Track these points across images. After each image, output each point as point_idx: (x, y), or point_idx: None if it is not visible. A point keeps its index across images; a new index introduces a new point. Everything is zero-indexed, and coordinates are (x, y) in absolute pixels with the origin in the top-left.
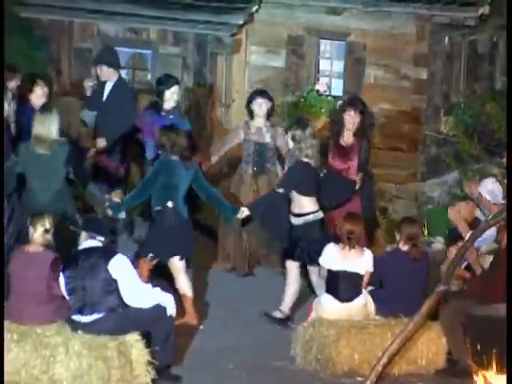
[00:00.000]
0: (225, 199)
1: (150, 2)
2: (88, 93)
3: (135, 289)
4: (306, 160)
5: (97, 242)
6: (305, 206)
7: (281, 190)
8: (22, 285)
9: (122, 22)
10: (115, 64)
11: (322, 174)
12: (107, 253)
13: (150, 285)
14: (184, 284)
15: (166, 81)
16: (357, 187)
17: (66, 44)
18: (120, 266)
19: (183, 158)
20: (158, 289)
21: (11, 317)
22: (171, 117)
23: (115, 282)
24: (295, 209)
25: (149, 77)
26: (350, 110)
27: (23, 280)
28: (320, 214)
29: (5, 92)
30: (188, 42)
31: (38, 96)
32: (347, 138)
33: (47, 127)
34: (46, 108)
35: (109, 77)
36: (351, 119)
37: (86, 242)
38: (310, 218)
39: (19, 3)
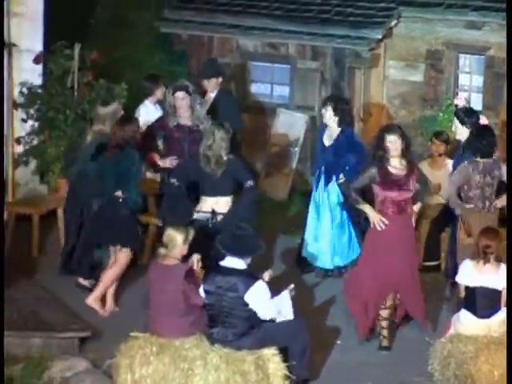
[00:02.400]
0: None
1: (289, 17)
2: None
3: (270, 309)
4: None
5: (241, 262)
6: None
7: None
8: (159, 297)
9: (261, 37)
10: (213, 74)
11: None
12: (248, 279)
13: (278, 298)
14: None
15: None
16: None
17: (206, 59)
18: (258, 295)
19: None
20: (283, 298)
21: (151, 329)
22: None
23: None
24: None
25: (287, 91)
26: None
27: (161, 293)
28: None
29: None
30: (326, 57)
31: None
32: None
33: None
34: None
35: (211, 88)
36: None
37: (229, 259)
38: None
39: (160, 19)
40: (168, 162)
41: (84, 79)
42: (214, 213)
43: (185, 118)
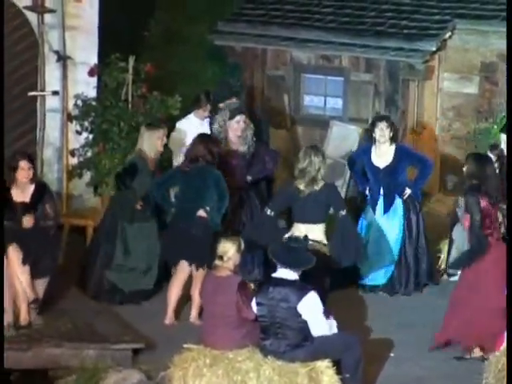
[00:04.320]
0: None
1: (343, 30)
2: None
3: (321, 323)
4: None
5: (292, 274)
6: None
7: None
8: (213, 309)
9: (315, 50)
10: (232, 94)
11: None
12: (300, 289)
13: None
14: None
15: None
16: None
17: (259, 71)
18: (310, 306)
19: None
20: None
21: (204, 341)
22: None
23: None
24: None
25: (340, 104)
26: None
27: (214, 304)
28: None
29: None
30: (380, 69)
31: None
32: None
33: None
34: None
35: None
36: None
37: (281, 270)
38: None
39: (214, 31)
40: None
41: (138, 91)
42: (306, 239)
43: (236, 143)
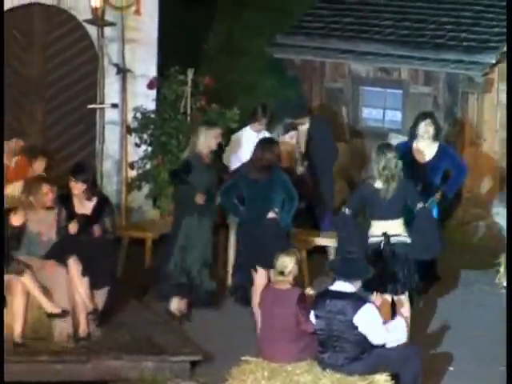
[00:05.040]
0: None
1: (402, 42)
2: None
3: (380, 333)
4: None
5: (350, 286)
6: None
7: None
8: (271, 322)
9: (374, 62)
10: (295, 115)
11: None
12: (356, 302)
13: (393, 323)
14: None
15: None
16: None
17: (318, 84)
18: (366, 318)
19: None
20: (398, 322)
21: (263, 354)
22: None
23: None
24: None
25: (399, 116)
26: None
27: (273, 317)
28: None
29: None
30: (439, 82)
31: None
32: None
33: None
34: None
35: (301, 123)
36: None
37: (339, 283)
38: None
39: (272, 44)
40: None
41: (197, 104)
42: (385, 235)
43: (285, 160)
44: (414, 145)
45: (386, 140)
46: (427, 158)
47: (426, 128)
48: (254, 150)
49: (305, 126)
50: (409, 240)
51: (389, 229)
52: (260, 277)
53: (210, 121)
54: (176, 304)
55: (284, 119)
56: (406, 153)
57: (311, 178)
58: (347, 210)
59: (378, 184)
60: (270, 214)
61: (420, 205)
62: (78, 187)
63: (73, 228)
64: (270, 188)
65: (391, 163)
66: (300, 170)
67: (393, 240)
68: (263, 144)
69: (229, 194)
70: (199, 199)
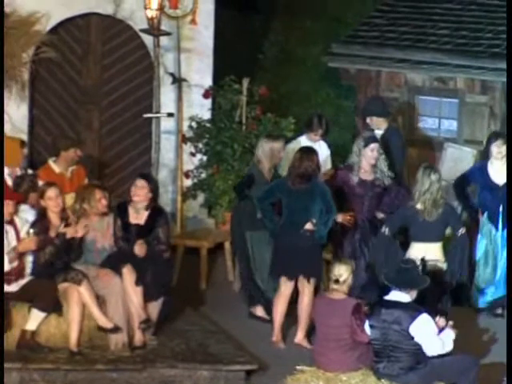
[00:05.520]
0: None
1: (459, 52)
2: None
3: (436, 343)
4: None
5: (405, 296)
6: None
7: None
8: (326, 331)
9: (430, 72)
10: (385, 113)
11: None
12: (412, 311)
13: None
14: None
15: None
16: None
17: (373, 93)
18: (422, 328)
19: None
20: (448, 332)
21: (317, 363)
22: None
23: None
24: None
25: (455, 126)
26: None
27: (327, 327)
28: None
29: None
30: (495, 91)
31: None
32: None
33: None
34: None
35: (379, 126)
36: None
37: (394, 293)
38: None
39: (328, 53)
40: (346, 218)
41: (252, 113)
42: (422, 261)
43: (367, 173)
44: (489, 166)
45: (444, 147)
46: (505, 180)
47: (498, 148)
48: (293, 159)
49: (379, 131)
50: (445, 266)
51: (427, 252)
52: (286, 287)
53: (272, 134)
54: (261, 311)
55: (371, 116)
56: (482, 175)
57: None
58: (387, 230)
59: (419, 206)
60: (308, 225)
61: (462, 231)
62: (142, 194)
63: (140, 250)
64: (309, 198)
65: (433, 187)
66: (387, 181)
67: (430, 265)
68: (302, 153)
69: (265, 199)
70: (259, 213)
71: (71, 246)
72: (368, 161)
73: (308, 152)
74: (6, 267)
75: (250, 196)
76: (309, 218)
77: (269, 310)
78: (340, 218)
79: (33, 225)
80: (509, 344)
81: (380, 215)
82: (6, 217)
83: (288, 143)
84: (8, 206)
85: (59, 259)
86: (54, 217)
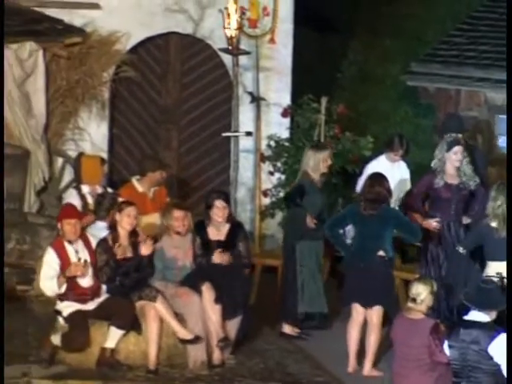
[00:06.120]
0: None
1: None
2: None
3: None
4: None
5: (485, 316)
6: None
7: None
8: (404, 352)
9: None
10: (462, 130)
11: None
12: (491, 331)
13: None
14: None
15: None
16: None
17: (450, 112)
18: (501, 348)
19: None
20: None
21: (397, 383)
22: None
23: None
24: None
25: None
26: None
27: (405, 347)
28: None
29: None
30: None
31: None
32: None
33: None
34: None
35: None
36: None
37: (473, 313)
38: None
39: (407, 72)
40: (433, 224)
41: (330, 132)
42: (501, 278)
43: (452, 176)
44: None
45: None
46: None
47: None
48: (364, 184)
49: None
50: None
51: (503, 271)
52: (358, 314)
53: (318, 144)
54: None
55: (449, 133)
56: None
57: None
58: (461, 248)
59: (494, 223)
60: (380, 252)
61: None
62: (223, 212)
63: (220, 258)
64: (381, 224)
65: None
66: (473, 184)
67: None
68: (372, 179)
69: (336, 226)
70: (310, 222)
71: (141, 264)
72: (452, 164)
73: (378, 178)
74: (58, 291)
75: (302, 206)
76: (381, 246)
77: (297, 325)
78: (426, 223)
79: (98, 244)
80: (509, 344)
81: (467, 220)
82: (72, 236)
83: (368, 162)
84: (76, 224)
85: (129, 278)
86: (123, 234)
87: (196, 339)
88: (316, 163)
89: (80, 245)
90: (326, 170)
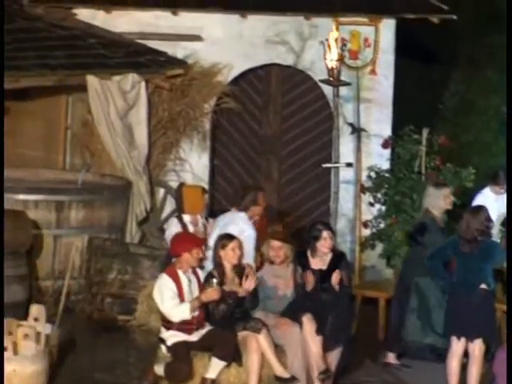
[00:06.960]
0: None
1: None
2: None
3: None
4: None
5: None
6: None
7: None
8: None
9: None
10: None
11: None
12: None
13: None
14: None
15: None
16: None
17: None
18: None
19: None
20: None
21: None
22: None
23: None
24: None
25: None
26: None
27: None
28: None
29: None
30: None
31: None
32: None
33: None
34: None
35: None
36: None
37: None
38: None
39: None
40: None
41: (431, 163)
42: None
43: None
44: None
45: None
46: None
47: None
48: (461, 221)
49: None
50: None
51: None
52: (458, 346)
53: (439, 181)
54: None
55: None
56: None
57: None
58: None
59: None
60: (482, 285)
61: None
62: (329, 242)
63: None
64: (481, 260)
65: None
66: None
67: None
68: (469, 215)
69: (437, 258)
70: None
71: (246, 297)
72: None
73: (474, 213)
74: (188, 316)
75: (422, 243)
76: (483, 280)
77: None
78: None
79: (211, 275)
80: (509, 344)
81: None
82: (195, 263)
83: (474, 196)
84: (198, 252)
85: (237, 310)
86: (228, 267)
87: (292, 379)
88: (437, 200)
89: (191, 275)
90: (449, 206)
